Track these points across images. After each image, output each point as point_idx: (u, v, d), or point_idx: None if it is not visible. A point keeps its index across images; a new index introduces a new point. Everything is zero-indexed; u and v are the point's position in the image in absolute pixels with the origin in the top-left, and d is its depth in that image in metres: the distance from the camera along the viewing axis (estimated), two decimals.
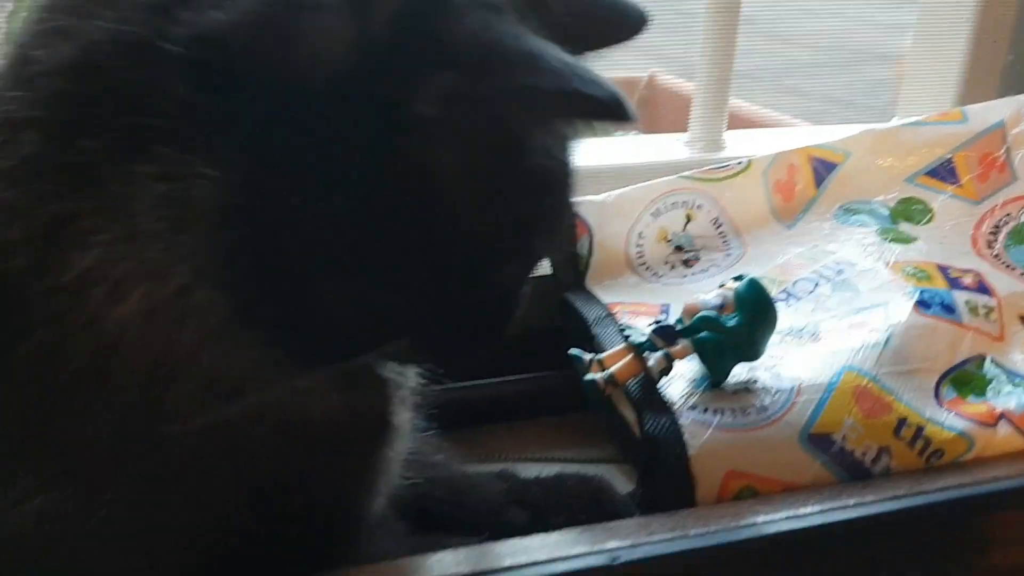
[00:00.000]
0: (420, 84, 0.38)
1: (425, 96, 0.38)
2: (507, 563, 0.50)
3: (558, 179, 0.46)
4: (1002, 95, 0.86)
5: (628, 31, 0.50)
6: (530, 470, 0.69)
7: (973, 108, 0.83)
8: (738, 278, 0.64)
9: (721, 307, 0.62)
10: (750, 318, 0.61)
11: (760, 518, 0.55)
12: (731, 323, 0.61)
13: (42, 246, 0.40)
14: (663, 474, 0.59)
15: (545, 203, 0.46)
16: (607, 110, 0.38)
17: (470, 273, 0.44)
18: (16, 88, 0.41)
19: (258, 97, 0.38)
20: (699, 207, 0.81)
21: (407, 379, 0.53)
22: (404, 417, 0.53)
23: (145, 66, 0.39)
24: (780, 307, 0.67)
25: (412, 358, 0.51)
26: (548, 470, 0.68)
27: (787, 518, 0.55)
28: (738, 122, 1.09)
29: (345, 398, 0.46)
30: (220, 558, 0.45)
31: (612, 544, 0.52)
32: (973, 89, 0.92)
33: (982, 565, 0.59)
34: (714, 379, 0.63)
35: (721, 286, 0.64)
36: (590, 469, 0.69)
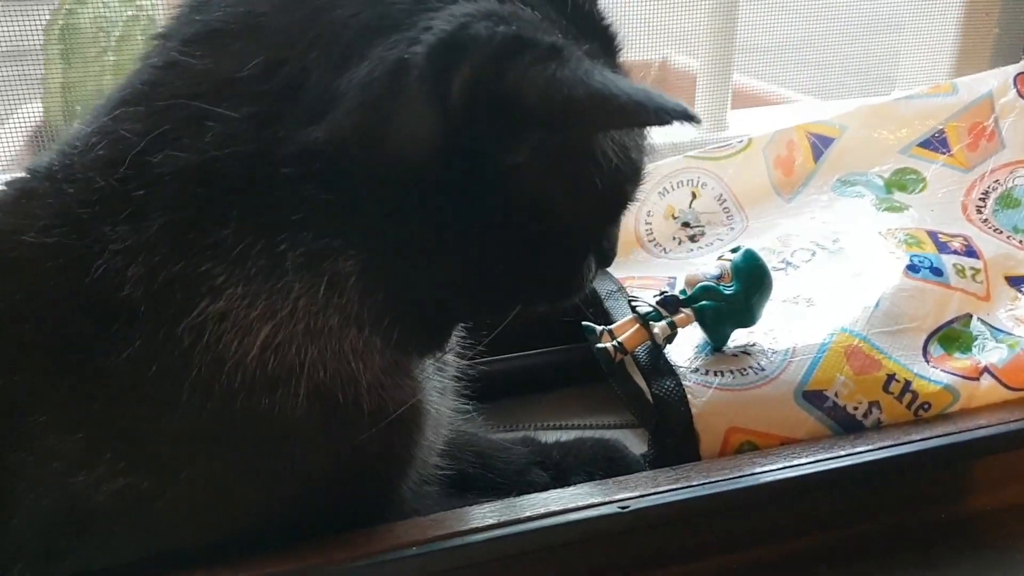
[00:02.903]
0: (508, 142, 0.43)
1: (517, 151, 0.43)
2: (527, 514, 0.54)
3: (636, 165, 0.52)
4: (993, 67, 0.89)
5: None
6: (551, 436, 0.73)
7: (963, 80, 0.86)
8: (735, 250, 0.67)
9: (719, 277, 0.66)
10: (746, 286, 0.65)
11: (758, 468, 0.59)
12: (729, 292, 0.65)
13: (172, 289, 0.44)
14: (670, 432, 0.63)
15: (630, 184, 0.52)
16: (678, 119, 0.42)
17: (583, 243, 0.52)
18: (132, 178, 0.45)
19: (370, 186, 0.43)
20: (704, 185, 0.85)
21: (447, 370, 0.60)
22: (443, 405, 0.59)
23: (265, 176, 0.43)
24: (779, 275, 0.71)
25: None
26: (567, 435, 0.73)
27: (783, 468, 0.59)
28: (748, 100, 1.13)
29: (416, 391, 0.52)
30: (267, 530, 0.50)
31: (622, 495, 0.56)
32: (966, 62, 0.95)
33: (966, 507, 0.63)
34: (715, 344, 0.67)
35: (720, 258, 0.68)
36: (607, 434, 0.73)
